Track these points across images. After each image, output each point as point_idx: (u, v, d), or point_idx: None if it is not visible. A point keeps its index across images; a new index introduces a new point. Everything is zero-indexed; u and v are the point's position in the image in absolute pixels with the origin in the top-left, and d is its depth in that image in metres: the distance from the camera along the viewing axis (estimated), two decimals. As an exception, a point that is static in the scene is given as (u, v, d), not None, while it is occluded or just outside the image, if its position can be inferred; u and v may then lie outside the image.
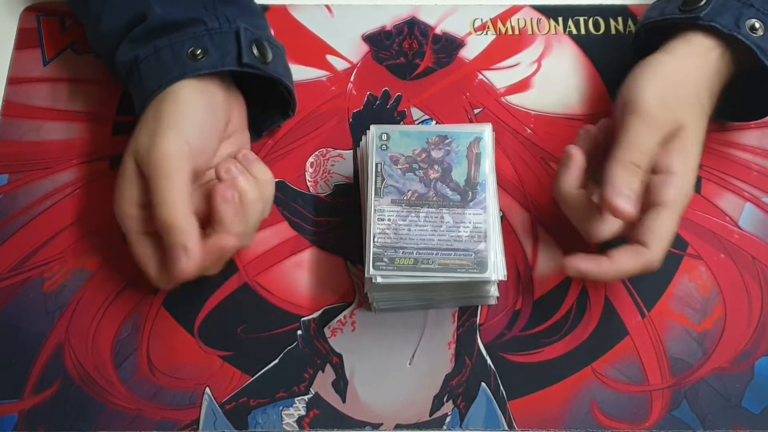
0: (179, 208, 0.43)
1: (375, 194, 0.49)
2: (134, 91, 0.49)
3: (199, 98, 0.47)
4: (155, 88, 0.47)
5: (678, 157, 0.46)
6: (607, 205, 0.44)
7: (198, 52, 0.47)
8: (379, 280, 0.46)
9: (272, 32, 0.54)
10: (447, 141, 0.50)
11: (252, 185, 0.47)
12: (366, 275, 0.46)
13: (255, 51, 0.49)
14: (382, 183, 0.49)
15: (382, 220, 0.48)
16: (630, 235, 0.46)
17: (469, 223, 0.48)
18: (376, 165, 0.49)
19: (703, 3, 0.48)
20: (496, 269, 0.47)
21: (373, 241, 0.47)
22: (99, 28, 0.51)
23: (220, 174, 0.46)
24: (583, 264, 0.45)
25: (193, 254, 0.43)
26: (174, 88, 0.47)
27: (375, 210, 0.48)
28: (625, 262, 0.45)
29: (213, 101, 0.48)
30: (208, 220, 0.46)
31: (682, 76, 0.47)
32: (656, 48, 0.51)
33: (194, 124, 0.46)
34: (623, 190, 0.44)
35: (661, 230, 0.45)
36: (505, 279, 0.49)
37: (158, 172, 0.44)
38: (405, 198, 0.48)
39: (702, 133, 0.47)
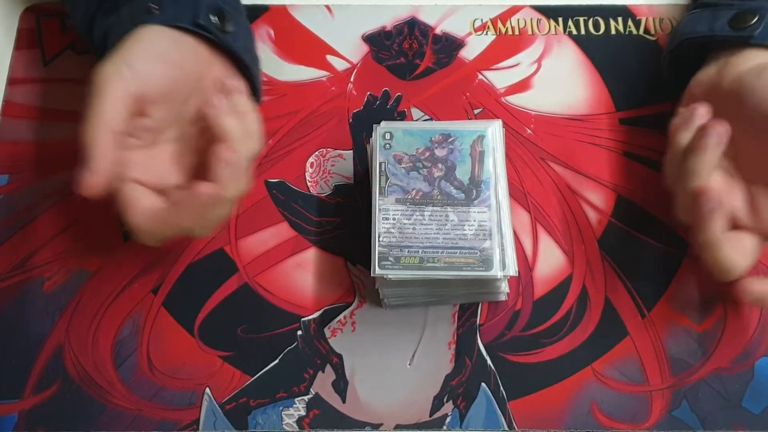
0: (96, 124, 0.42)
1: (379, 193, 0.49)
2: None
3: (159, 34, 0.46)
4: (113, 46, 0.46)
5: None
6: None
7: (154, 8, 0.47)
8: (391, 276, 0.46)
9: (251, 25, 0.54)
10: (450, 139, 0.50)
11: (236, 123, 0.45)
12: (372, 274, 0.47)
13: (214, 18, 0.48)
14: (386, 182, 0.49)
15: (387, 219, 0.48)
16: None
17: (474, 221, 0.48)
18: (380, 164, 0.50)
19: (755, 21, 0.47)
20: (505, 266, 0.47)
21: (379, 241, 0.47)
22: (77, 12, 0.51)
23: (204, 109, 0.45)
24: (764, 287, 0.44)
25: (94, 169, 0.41)
26: (131, 33, 0.46)
27: (380, 209, 0.48)
28: None
29: (179, 40, 0.47)
30: (200, 171, 0.45)
31: None
32: (692, 59, 0.50)
33: (144, 50, 0.45)
34: None
35: None
36: (517, 275, 0.49)
37: (91, 92, 0.43)
38: (409, 197, 0.49)
39: None
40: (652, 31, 0.60)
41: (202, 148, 0.46)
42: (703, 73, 0.49)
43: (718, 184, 0.46)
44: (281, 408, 0.49)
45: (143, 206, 0.44)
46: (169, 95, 0.46)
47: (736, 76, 0.46)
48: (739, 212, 0.46)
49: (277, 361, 0.50)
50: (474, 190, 0.49)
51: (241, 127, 0.45)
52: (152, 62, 0.45)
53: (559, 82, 0.59)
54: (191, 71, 0.47)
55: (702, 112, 0.46)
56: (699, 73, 0.50)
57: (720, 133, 0.44)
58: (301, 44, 0.60)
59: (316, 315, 0.51)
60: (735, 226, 0.46)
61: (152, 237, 0.45)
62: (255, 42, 0.53)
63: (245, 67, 0.50)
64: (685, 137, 0.46)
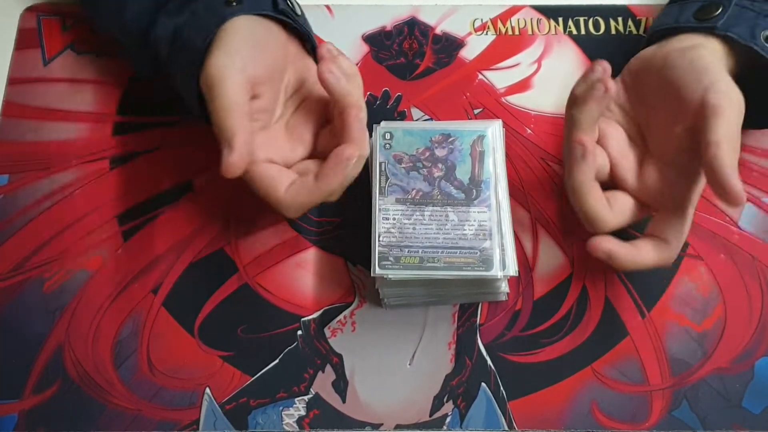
0: (229, 110, 0.45)
1: (379, 193, 0.49)
2: (180, 58, 0.49)
3: (251, 22, 0.48)
4: (201, 45, 0.47)
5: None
6: (729, 191, 0.42)
7: (233, 1, 0.48)
8: (391, 275, 0.46)
9: None
10: (450, 139, 0.50)
11: (352, 84, 0.48)
12: (372, 274, 0.47)
13: (289, 3, 0.51)
14: (386, 182, 0.49)
15: (387, 219, 0.48)
16: (652, 230, 0.47)
17: (474, 221, 0.48)
18: (380, 164, 0.50)
19: (718, 12, 0.48)
20: (505, 265, 0.47)
21: (379, 240, 0.47)
22: (127, 8, 0.51)
23: (323, 75, 0.47)
24: (611, 245, 0.46)
25: (237, 148, 0.44)
26: (224, 26, 0.48)
27: (380, 209, 0.48)
28: (647, 254, 0.46)
29: (265, 25, 0.49)
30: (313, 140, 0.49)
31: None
32: None
33: (245, 39, 0.47)
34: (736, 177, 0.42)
35: (684, 229, 0.46)
36: (517, 275, 0.49)
37: (209, 86, 0.45)
38: (409, 197, 0.49)
39: None
40: (652, 31, 0.60)
41: (308, 119, 0.50)
42: (646, 50, 0.50)
43: (607, 141, 0.49)
44: (281, 408, 0.49)
45: (285, 182, 0.47)
46: (272, 76, 0.49)
47: (665, 52, 0.48)
48: (627, 175, 0.48)
49: (277, 361, 0.50)
50: (474, 190, 0.49)
51: (356, 86, 0.48)
52: (254, 48, 0.48)
53: (559, 82, 0.59)
54: (280, 52, 0.50)
55: (601, 67, 0.47)
56: (642, 50, 0.51)
57: (606, 88, 0.46)
58: (301, 44, 0.60)
59: (316, 315, 0.51)
60: (621, 187, 0.49)
61: (299, 209, 0.47)
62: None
63: (312, 47, 0.52)
64: (579, 88, 0.48)
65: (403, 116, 0.57)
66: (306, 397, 0.49)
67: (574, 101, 0.48)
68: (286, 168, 0.48)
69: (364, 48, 0.60)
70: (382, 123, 0.51)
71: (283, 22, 0.50)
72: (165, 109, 0.57)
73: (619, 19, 0.61)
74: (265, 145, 0.48)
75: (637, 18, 0.61)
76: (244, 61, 0.46)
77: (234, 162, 0.44)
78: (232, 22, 0.48)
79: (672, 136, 0.46)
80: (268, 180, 0.47)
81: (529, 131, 0.57)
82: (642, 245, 0.46)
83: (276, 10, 0.49)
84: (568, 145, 0.48)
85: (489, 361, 0.50)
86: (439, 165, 0.50)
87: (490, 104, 0.58)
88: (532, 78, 0.59)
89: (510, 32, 0.61)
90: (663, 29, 0.50)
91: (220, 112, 0.45)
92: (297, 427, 0.49)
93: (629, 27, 0.61)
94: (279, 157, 0.49)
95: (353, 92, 0.47)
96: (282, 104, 0.51)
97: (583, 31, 0.61)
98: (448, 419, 0.49)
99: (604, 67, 0.47)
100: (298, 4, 0.52)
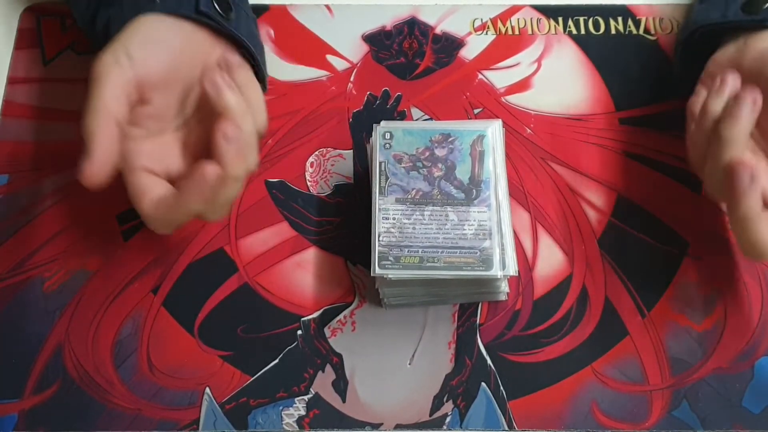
0: (96, 113, 0.42)
1: (379, 193, 0.49)
2: None
3: (158, 21, 0.46)
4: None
5: None
6: None
7: None
8: (391, 275, 0.46)
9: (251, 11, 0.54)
10: (450, 139, 0.50)
11: (238, 98, 0.44)
12: (372, 274, 0.47)
13: (216, 6, 0.48)
14: (386, 182, 0.49)
15: (387, 219, 0.48)
16: None
17: (474, 220, 0.48)
18: (380, 164, 0.50)
19: (767, 5, 0.47)
20: (505, 265, 0.47)
21: (378, 240, 0.47)
22: (79, 5, 0.51)
23: (204, 86, 0.44)
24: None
25: (95, 158, 0.41)
26: (130, 23, 0.46)
27: (380, 209, 0.48)
28: None
29: (179, 26, 0.46)
30: (208, 152, 0.45)
31: None
32: (704, 50, 0.50)
33: (142, 38, 0.45)
34: None
35: None
36: (517, 275, 0.49)
37: (90, 82, 0.43)
38: (409, 197, 0.49)
39: None
40: (652, 31, 0.60)
41: (210, 133, 0.46)
42: (722, 52, 0.49)
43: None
44: (281, 408, 0.49)
45: (154, 194, 0.44)
46: (171, 81, 0.46)
47: (757, 53, 0.46)
48: None
49: (277, 360, 0.50)
50: (474, 190, 0.49)
51: (244, 101, 0.45)
52: (151, 49, 0.45)
53: (559, 81, 0.59)
54: (193, 57, 0.47)
55: (733, 79, 0.45)
56: (717, 53, 0.49)
57: (755, 99, 0.43)
58: (301, 44, 0.60)
59: (316, 315, 0.51)
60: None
61: (165, 224, 0.45)
62: (259, 31, 0.53)
63: (250, 54, 0.50)
64: (716, 106, 0.45)
65: (402, 116, 0.57)
66: (306, 397, 0.49)
67: (717, 119, 0.45)
68: (170, 181, 0.45)
69: (364, 48, 0.60)
70: (382, 123, 0.51)
71: (213, 25, 0.48)
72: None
73: (619, 18, 0.61)
74: (150, 153, 0.45)
75: (637, 18, 0.61)
76: (133, 62, 0.44)
77: (89, 172, 0.41)
78: (139, 20, 0.46)
79: None
80: (135, 190, 0.44)
81: (529, 131, 0.57)
82: None
83: (196, 11, 0.47)
84: (717, 170, 0.44)
85: (489, 361, 0.50)
86: (439, 165, 0.50)
87: (490, 104, 0.58)
88: (532, 78, 0.59)
89: (510, 32, 0.61)
90: (710, 24, 0.49)
91: (87, 113, 0.42)
92: (297, 426, 0.49)
93: (629, 27, 0.61)
94: (162, 167, 0.46)
95: (234, 107, 0.44)
96: (182, 112, 0.48)
97: (583, 31, 0.61)
98: (448, 419, 0.49)
99: (736, 77, 0.44)
100: (235, 5, 0.50)
